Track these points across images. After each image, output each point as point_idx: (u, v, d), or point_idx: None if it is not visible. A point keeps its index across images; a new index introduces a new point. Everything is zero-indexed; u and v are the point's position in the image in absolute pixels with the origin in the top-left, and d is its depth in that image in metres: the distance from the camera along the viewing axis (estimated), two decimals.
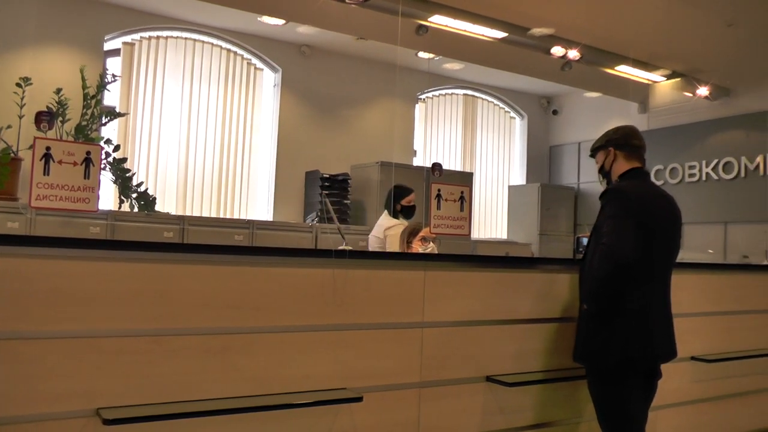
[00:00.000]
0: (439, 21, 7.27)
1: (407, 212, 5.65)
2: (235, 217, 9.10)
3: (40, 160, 2.80)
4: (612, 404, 3.53)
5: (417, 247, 5.51)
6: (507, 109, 12.17)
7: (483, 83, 11.63)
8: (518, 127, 12.37)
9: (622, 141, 3.76)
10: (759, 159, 9.15)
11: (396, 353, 3.39)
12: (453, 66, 10.45)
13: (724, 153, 9.55)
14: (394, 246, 5.43)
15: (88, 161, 2.88)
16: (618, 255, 3.32)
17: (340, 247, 3.28)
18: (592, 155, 3.94)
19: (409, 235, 5.68)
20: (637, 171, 3.71)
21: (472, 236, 7.82)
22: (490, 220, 11.53)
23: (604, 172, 3.84)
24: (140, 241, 2.94)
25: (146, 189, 7.66)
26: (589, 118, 11.64)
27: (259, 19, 8.40)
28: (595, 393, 3.59)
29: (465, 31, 7.51)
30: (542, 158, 12.46)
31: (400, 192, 5.78)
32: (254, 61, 9.50)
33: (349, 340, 3.25)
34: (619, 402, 3.51)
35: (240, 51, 9.37)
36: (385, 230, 5.68)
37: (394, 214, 5.72)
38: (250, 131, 9.39)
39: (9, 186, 6.59)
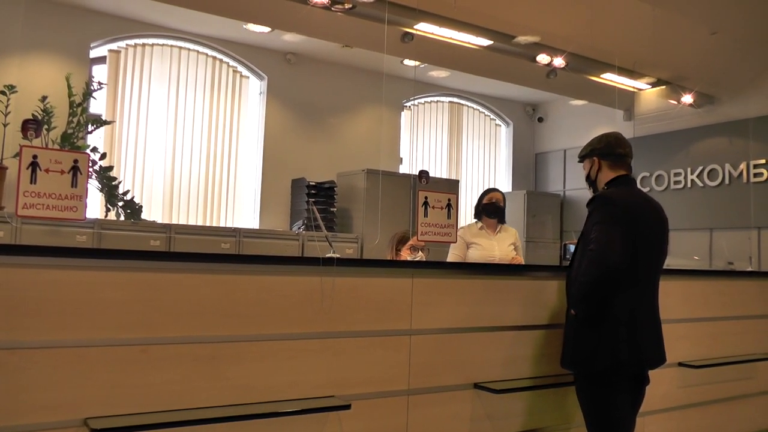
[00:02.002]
0: (424, 29, 7.29)
1: (488, 211, 5.63)
2: (222, 225, 9.07)
3: (27, 168, 2.78)
4: (600, 410, 3.54)
5: (406, 256, 5.51)
6: (492, 116, 12.20)
7: (468, 91, 11.66)
8: (504, 134, 12.40)
9: (606, 150, 3.78)
10: (742, 166, 9.20)
11: (384, 361, 3.40)
12: (439, 73, 10.46)
13: (709, 160, 9.60)
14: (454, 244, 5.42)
15: (75, 169, 2.86)
16: (606, 261, 3.34)
17: (328, 255, 3.28)
18: (581, 161, 3.96)
19: (398, 243, 5.68)
20: (623, 178, 3.72)
21: None
22: None
23: (590, 180, 3.87)
24: (127, 249, 2.94)
25: (132, 197, 7.64)
26: (575, 126, 11.68)
27: (244, 26, 8.39)
28: (583, 399, 3.61)
29: (450, 38, 7.52)
30: (528, 165, 12.50)
31: (483, 193, 5.81)
32: (240, 68, 9.49)
33: (337, 347, 3.25)
34: (606, 408, 3.52)
35: (226, 59, 9.35)
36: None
37: (477, 214, 5.72)
38: (236, 139, 9.37)
39: None
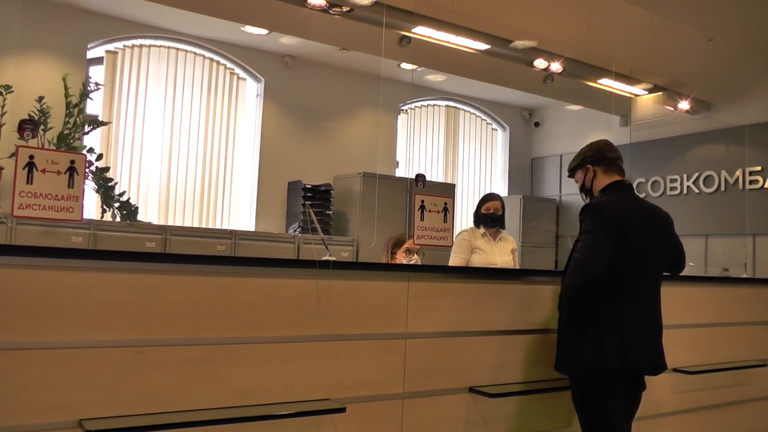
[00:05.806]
0: (422, 32, 7.28)
1: (486, 221, 5.42)
2: (217, 227, 9.06)
3: (24, 168, 2.78)
4: (593, 415, 3.54)
5: (401, 259, 5.51)
6: (489, 120, 12.22)
7: (465, 95, 11.67)
8: (500, 139, 12.42)
9: (598, 156, 3.78)
10: (738, 173, 9.23)
11: (379, 364, 3.39)
12: (435, 77, 10.48)
13: (705, 167, 9.63)
14: (453, 249, 5.29)
15: (72, 170, 2.86)
16: (588, 270, 3.36)
17: (324, 258, 3.27)
18: (571, 175, 3.95)
19: (393, 246, 5.68)
20: (617, 185, 3.72)
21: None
22: None
23: (585, 189, 3.86)
24: (123, 251, 2.92)
25: (128, 198, 7.64)
26: (571, 131, 11.70)
27: (242, 29, 8.39)
28: (577, 403, 3.61)
29: (448, 42, 7.52)
30: (524, 170, 12.51)
31: (481, 200, 5.60)
32: (237, 70, 9.49)
33: (332, 350, 3.24)
34: (599, 412, 3.52)
35: (223, 61, 9.35)
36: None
37: (477, 223, 5.57)
38: (232, 141, 9.37)
39: None
